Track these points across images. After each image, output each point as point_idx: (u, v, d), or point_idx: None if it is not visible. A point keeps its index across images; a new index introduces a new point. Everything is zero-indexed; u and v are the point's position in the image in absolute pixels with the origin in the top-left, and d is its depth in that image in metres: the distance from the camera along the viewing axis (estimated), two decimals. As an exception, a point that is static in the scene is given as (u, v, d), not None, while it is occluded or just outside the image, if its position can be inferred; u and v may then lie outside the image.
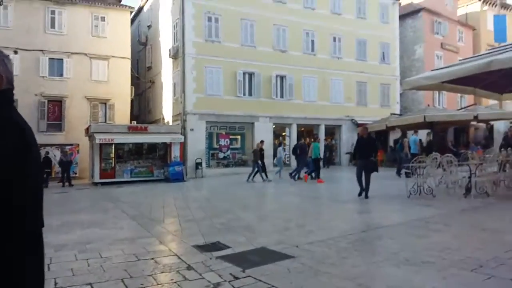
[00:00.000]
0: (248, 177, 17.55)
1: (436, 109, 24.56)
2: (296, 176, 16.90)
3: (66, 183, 19.36)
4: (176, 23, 23.19)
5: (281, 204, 10.66)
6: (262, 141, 18.75)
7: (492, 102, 31.94)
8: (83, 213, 9.98)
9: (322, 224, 7.27)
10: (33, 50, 23.82)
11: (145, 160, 21.05)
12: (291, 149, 20.18)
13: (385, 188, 12.17)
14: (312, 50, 25.86)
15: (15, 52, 23.14)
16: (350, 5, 27.41)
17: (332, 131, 27.39)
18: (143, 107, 29.29)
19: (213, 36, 22.69)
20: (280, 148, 19.92)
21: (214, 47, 22.72)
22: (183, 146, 21.43)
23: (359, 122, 26.57)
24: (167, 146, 21.28)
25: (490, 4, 36.42)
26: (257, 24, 23.86)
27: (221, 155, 23.41)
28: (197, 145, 22.01)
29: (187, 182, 19.28)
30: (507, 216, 7.11)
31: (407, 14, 31.67)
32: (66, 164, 20.06)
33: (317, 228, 6.83)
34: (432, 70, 10.61)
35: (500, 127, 24.42)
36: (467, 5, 36.48)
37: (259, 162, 17.61)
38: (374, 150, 10.58)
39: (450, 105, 32.29)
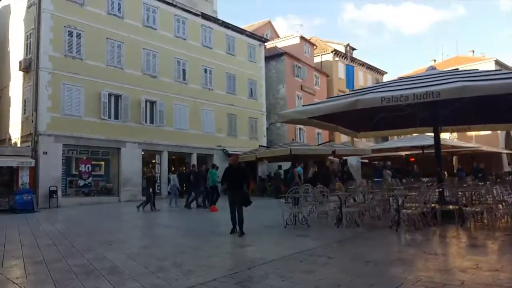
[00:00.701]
0: (140, 206, 16.04)
1: (300, 144, 26.19)
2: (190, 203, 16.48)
3: None
4: (30, 33, 20.51)
5: (154, 238, 9.48)
6: (150, 165, 17.26)
7: (344, 139, 35.85)
8: None
9: (203, 261, 6.31)
10: None
11: (-19, 186, 17.42)
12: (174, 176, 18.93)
13: (260, 217, 11.94)
14: (184, 78, 25.51)
15: None
16: (220, 41, 28.13)
17: (204, 160, 26.92)
18: (-17, 126, 24.69)
19: (74, 52, 20.59)
20: (174, 175, 18.65)
21: (75, 64, 20.59)
22: (34, 171, 18.43)
23: (230, 152, 26.74)
24: (13, 171, 18.03)
25: (340, 56, 41.62)
26: (126, 45, 22.61)
27: (81, 182, 20.78)
28: (51, 171, 19.14)
29: (38, 213, 16.43)
30: (382, 246, 7.27)
31: (271, 56, 33.90)
32: None
33: (197, 266, 5.91)
34: (303, 106, 11.32)
35: (352, 161, 27.22)
36: (322, 54, 41.01)
37: (151, 189, 16.13)
38: (246, 180, 9.15)
39: (310, 140, 35.04)
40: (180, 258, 6.66)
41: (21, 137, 20.67)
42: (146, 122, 23.22)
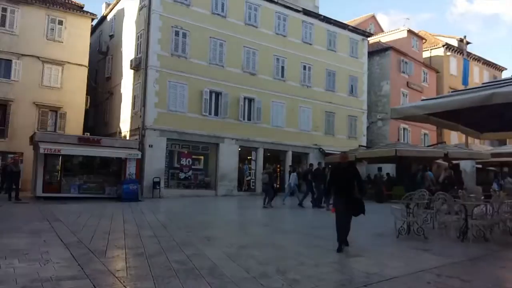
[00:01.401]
0: (264, 202, 16.00)
1: (405, 144, 24.33)
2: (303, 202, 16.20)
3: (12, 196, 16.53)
4: (141, 34, 21.82)
5: (253, 237, 9.10)
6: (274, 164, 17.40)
7: (454, 141, 32.65)
8: (7, 235, 8.11)
9: (309, 271, 5.70)
10: (-25, 48, 21.49)
11: (96, 175, 18.98)
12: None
13: (365, 223, 10.33)
14: (282, 75, 25.21)
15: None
16: (321, 37, 27.25)
17: (298, 159, 26.47)
18: (99, 119, 27.18)
19: (180, 51, 21.48)
20: (294, 174, 18.16)
21: (180, 62, 21.46)
22: (140, 163, 19.58)
23: (326, 151, 25.97)
24: (121, 162, 19.37)
25: (452, 50, 37.89)
26: (227, 44, 22.98)
27: (182, 175, 21.70)
28: (155, 163, 20.27)
29: (142, 203, 17.37)
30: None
31: (375, 51, 32.04)
32: (15, 175, 17.16)
33: (304, 276, 5.34)
34: (423, 100, 9.83)
35: (466, 166, 24.43)
36: (431, 49, 37.73)
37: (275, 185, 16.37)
38: (360, 183, 7.48)
39: (415, 141, 32.49)
40: (283, 264, 6.17)
41: (130, 130, 22.19)
42: (243, 119, 23.42)
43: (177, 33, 21.34)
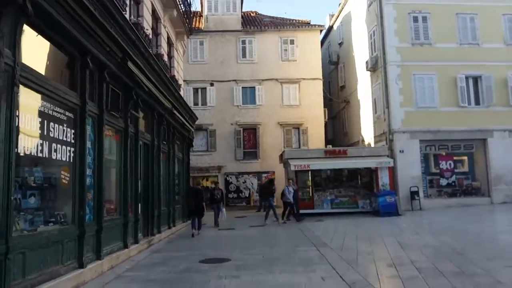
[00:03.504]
0: None
1: None
2: None
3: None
4: (374, 31, 19.88)
5: None
6: None
7: None
8: (279, 267, 7.09)
9: None
10: (227, 81, 23.87)
11: (346, 188, 17.82)
12: None
13: None
14: None
15: (211, 84, 23.63)
16: None
17: None
18: (337, 130, 26.50)
19: (421, 38, 18.51)
20: None
21: (424, 51, 18.44)
22: (392, 171, 17.35)
23: None
24: (371, 172, 17.61)
25: None
26: (480, 16, 18.64)
27: (443, 181, 18.34)
28: (409, 170, 17.66)
29: (403, 217, 15.06)
30: None
31: None
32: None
33: None
34: None
35: None
36: None
37: None
38: None
39: None
40: None
41: (374, 137, 20.29)
42: (516, 103, 18.36)
43: (415, 19, 18.51)
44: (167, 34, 15.08)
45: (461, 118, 18.10)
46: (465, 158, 18.85)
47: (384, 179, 17.22)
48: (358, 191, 17.69)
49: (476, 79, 18.44)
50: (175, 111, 12.74)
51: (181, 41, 17.83)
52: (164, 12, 14.35)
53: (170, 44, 15.93)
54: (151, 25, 12.56)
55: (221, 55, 24.03)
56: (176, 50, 17.01)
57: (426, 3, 18.56)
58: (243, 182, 22.43)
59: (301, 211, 16.48)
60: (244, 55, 24.19)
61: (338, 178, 18.23)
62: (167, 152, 13.16)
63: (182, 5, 15.67)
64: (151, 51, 10.03)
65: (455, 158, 18.57)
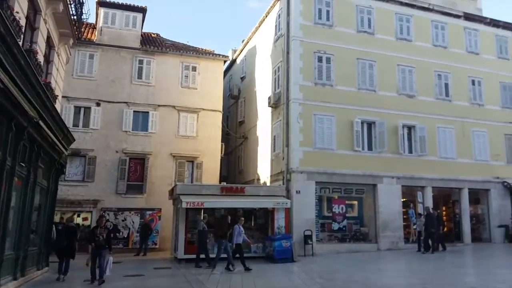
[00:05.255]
0: None
1: None
2: None
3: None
4: (278, 67, 19.49)
5: None
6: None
7: None
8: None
9: None
10: (117, 102, 21.31)
11: (240, 230, 16.29)
12: None
13: None
14: (447, 95, 20.48)
15: (98, 104, 20.86)
16: (488, 44, 22.03)
17: (476, 197, 20.85)
18: (232, 166, 25.28)
19: (324, 78, 18.48)
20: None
21: (325, 92, 18.41)
22: (288, 213, 16.46)
23: (513, 185, 20.13)
24: (267, 213, 16.51)
25: None
26: (378, 64, 19.36)
27: (335, 225, 17.94)
28: (305, 213, 16.92)
29: (298, 263, 14.03)
30: None
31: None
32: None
33: None
34: None
35: None
36: None
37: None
38: None
39: None
40: None
41: (271, 176, 19.45)
42: (404, 151, 19.06)
43: (320, 59, 18.49)
44: (48, 32, 12.44)
45: (355, 162, 18.16)
46: (355, 202, 18.86)
47: (280, 221, 16.27)
48: (252, 234, 16.26)
49: (370, 125, 18.85)
50: (43, 125, 10.14)
51: (65, 45, 15.15)
52: (47, 3, 11.84)
53: (50, 46, 13.31)
54: (25, 12, 10.04)
55: (113, 73, 21.47)
56: (58, 55, 14.32)
57: (331, 45, 18.71)
58: (123, 220, 19.49)
59: (189, 256, 14.53)
60: (140, 76, 21.94)
61: (231, 219, 16.70)
62: (25, 177, 10.34)
63: (72, 2, 13.17)
64: (20, 42, 7.67)
65: (347, 202, 18.42)
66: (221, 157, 23.20)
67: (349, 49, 18.95)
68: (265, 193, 17.18)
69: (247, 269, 12.31)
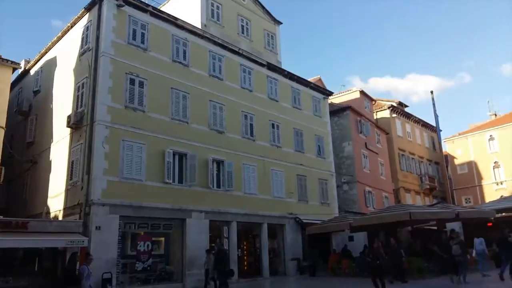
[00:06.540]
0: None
1: (416, 206, 22.15)
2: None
3: None
4: (83, 83, 17.21)
5: None
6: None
7: (408, 201, 31.58)
8: None
9: None
10: None
11: (19, 277, 12.89)
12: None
13: None
14: (252, 134, 21.73)
15: None
16: (286, 94, 24.78)
17: (274, 232, 22.33)
18: (14, 196, 20.63)
19: (136, 103, 17.11)
20: (481, 239, 16.04)
21: (137, 117, 17.01)
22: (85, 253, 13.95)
23: (304, 220, 22.49)
24: (58, 254, 13.65)
25: (397, 112, 38.18)
26: (191, 97, 19.16)
27: (139, 266, 16.14)
28: (105, 252, 14.66)
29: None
30: None
31: (333, 112, 30.39)
32: None
33: None
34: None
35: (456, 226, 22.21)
36: (377, 111, 37.54)
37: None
38: None
39: (378, 204, 30.41)
40: None
41: (65, 209, 16.53)
42: (213, 186, 19.04)
43: (132, 81, 17.07)
44: None
45: (165, 195, 17.09)
46: (162, 239, 17.62)
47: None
48: (34, 281, 13.11)
49: (182, 157, 18.20)
50: None
51: None
52: None
53: None
54: None
55: None
56: None
57: (145, 69, 17.55)
58: None
59: None
60: None
61: (7, 262, 13.15)
62: None
63: None
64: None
65: (153, 238, 16.96)
66: (0, 183, 18.59)
67: (164, 77, 18.22)
68: (56, 229, 14.23)
69: None
